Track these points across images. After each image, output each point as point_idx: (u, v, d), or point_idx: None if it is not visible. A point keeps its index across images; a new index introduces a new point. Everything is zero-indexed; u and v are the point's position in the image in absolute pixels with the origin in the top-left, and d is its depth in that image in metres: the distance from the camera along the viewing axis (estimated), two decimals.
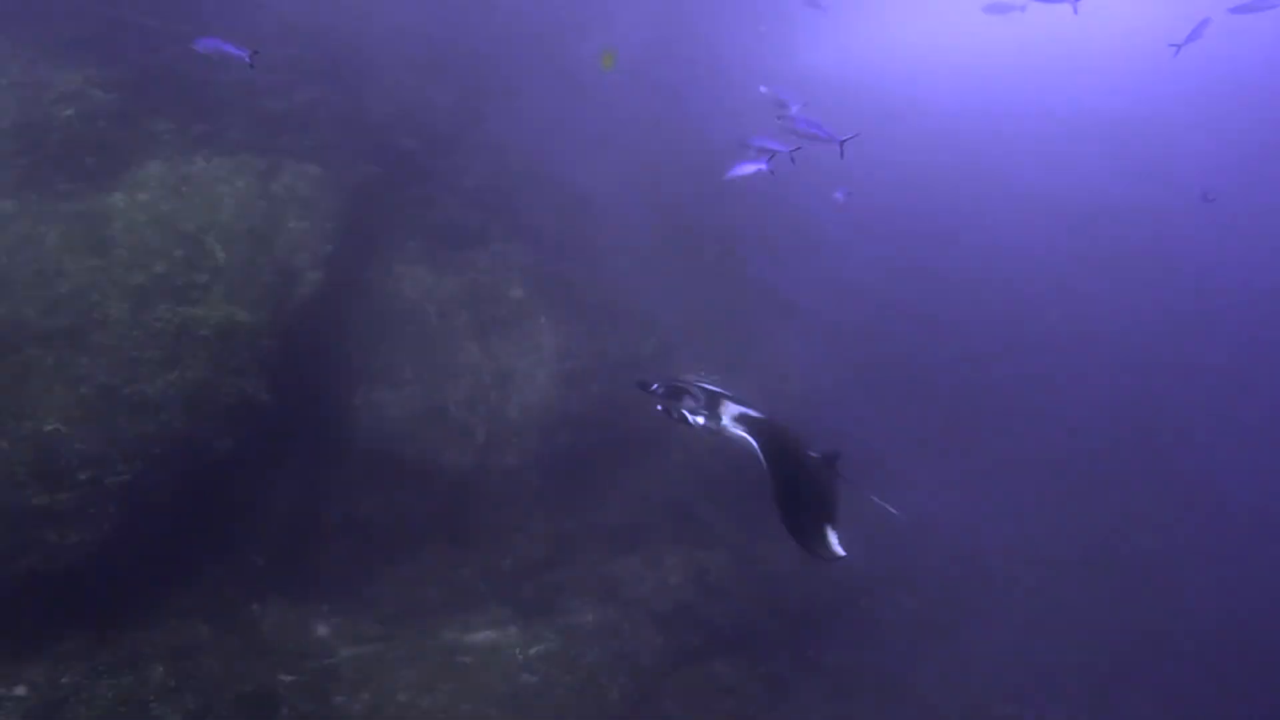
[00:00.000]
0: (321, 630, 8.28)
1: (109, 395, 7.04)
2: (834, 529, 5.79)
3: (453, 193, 11.23)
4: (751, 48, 19.57)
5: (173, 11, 9.22)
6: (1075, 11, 7.27)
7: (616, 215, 13.33)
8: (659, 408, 6.41)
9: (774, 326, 14.89)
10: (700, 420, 6.33)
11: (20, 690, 5.94)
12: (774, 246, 16.08)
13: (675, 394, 6.49)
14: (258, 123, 9.18)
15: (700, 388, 6.65)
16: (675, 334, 12.54)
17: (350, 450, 9.38)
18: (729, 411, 6.35)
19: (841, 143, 7.72)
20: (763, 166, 7.97)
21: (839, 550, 5.54)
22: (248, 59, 6.79)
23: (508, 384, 10.38)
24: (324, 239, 9.01)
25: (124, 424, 7.02)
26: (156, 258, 7.80)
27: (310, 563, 8.73)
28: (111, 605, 6.83)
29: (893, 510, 7.11)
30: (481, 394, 10.21)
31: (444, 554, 9.45)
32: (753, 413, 6.51)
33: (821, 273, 16.74)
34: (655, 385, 6.57)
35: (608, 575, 9.49)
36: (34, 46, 8.47)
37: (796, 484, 6.07)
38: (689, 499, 11.05)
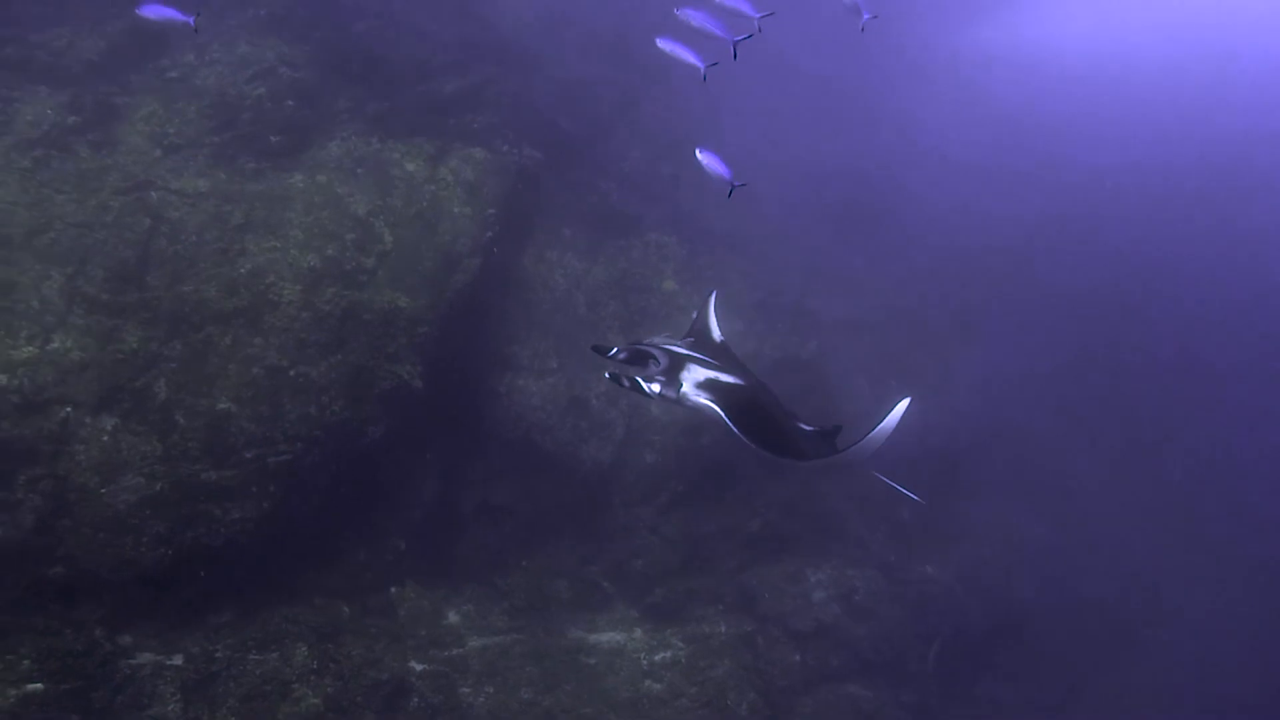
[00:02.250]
0: (453, 618, 8.53)
1: (277, 376, 7.37)
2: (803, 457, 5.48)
3: (611, 179, 11.12)
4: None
5: None
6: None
7: (782, 206, 12.87)
8: (606, 375, 5.73)
9: (951, 330, 14.06)
10: (655, 388, 5.62)
11: (178, 659, 6.38)
12: (960, 246, 15.08)
13: (638, 359, 5.77)
14: (430, 103, 9.32)
15: (666, 350, 5.91)
16: (839, 335, 12.06)
17: (492, 438, 9.55)
18: (692, 377, 5.65)
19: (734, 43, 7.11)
20: (698, 64, 7.34)
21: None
22: (192, 23, 6.76)
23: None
24: (484, 225, 9.09)
25: (288, 405, 7.34)
26: (329, 240, 8.07)
27: (447, 549, 8.98)
28: (264, 581, 7.22)
29: (913, 496, 6.55)
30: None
31: (576, 549, 9.50)
32: (726, 377, 5.82)
33: (1012, 278, 15.65)
34: (615, 349, 5.84)
35: (745, 586, 9.30)
36: (235, 21, 8.90)
37: (768, 423, 5.67)
38: (841, 511, 10.64)
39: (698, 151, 7.50)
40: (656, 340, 6.61)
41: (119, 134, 8.10)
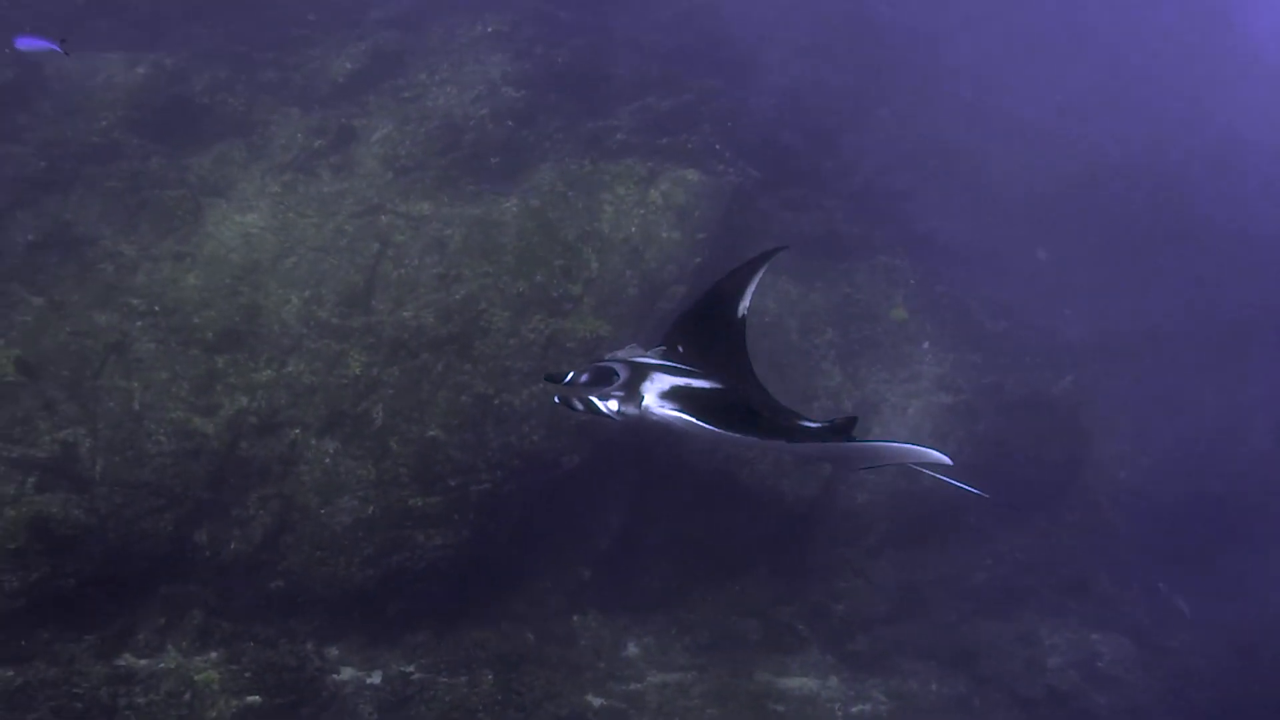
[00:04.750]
0: (633, 649, 8.61)
1: (483, 404, 7.67)
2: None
3: (836, 195, 10.58)
4: None
5: (584, 2, 9.51)
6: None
7: (1040, 222, 11.68)
8: (555, 400, 5.09)
9: (1229, 347, 12.32)
10: (613, 405, 4.96)
11: (376, 678, 6.84)
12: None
13: (598, 379, 5.14)
14: (644, 122, 9.28)
15: (629, 362, 5.32)
16: (1096, 363, 10.94)
17: (685, 469, 9.51)
18: (656, 387, 4.98)
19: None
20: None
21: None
22: (60, 49, 6.56)
23: (871, 414, 9.78)
24: (693, 251, 8.96)
25: (491, 434, 7.62)
26: (538, 266, 8.26)
27: (631, 579, 9.05)
28: (456, 603, 7.56)
29: (974, 490, 5.70)
30: None
31: (769, 587, 9.27)
32: (700, 383, 5.12)
33: None
34: (570, 374, 5.21)
35: (963, 642, 8.82)
36: (464, 39, 9.29)
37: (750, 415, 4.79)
38: (1087, 565, 9.92)
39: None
40: (619, 354, 5.87)
41: (356, 156, 8.73)
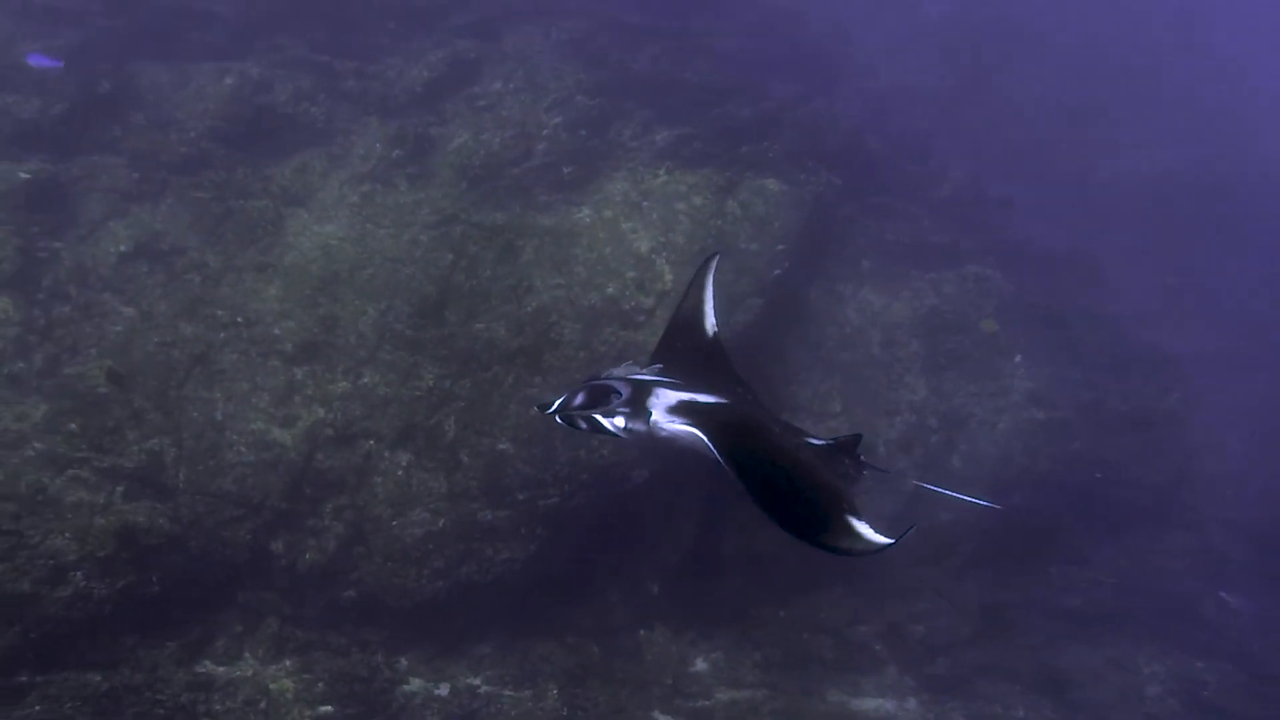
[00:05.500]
0: (701, 665, 8.53)
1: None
2: (856, 514, 4.01)
3: (924, 203, 10.25)
4: None
5: (661, 7, 9.41)
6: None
7: (1147, 230, 11.12)
8: (558, 420, 4.93)
9: None
10: (620, 422, 4.86)
11: (443, 690, 6.93)
12: None
13: (596, 398, 5.01)
14: (723, 130, 9.14)
15: (628, 380, 5.18)
16: (1204, 377, 10.43)
17: None
18: (661, 402, 4.86)
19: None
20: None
21: (875, 537, 3.86)
22: (61, 65, 7.98)
23: (956, 429, 9.51)
24: (772, 262, 8.79)
25: (560, 448, 7.63)
26: (611, 279, 8.23)
27: (701, 595, 8.97)
28: (522, 616, 7.61)
29: (983, 502, 5.55)
30: (920, 436, 9.51)
31: (846, 605, 9.10)
32: (704, 398, 4.98)
33: None
34: (563, 398, 5.03)
35: (1052, 667, 8.48)
36: (540, 46, 9.31)
37: (777, 467, 4.37)
38: (1190, 589, 9.51)
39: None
40: (616, 371, 5.67)
41: (433, 166, 8.83)
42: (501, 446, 7.47)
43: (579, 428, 4.94)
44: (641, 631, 8.34)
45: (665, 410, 4.83)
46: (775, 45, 9.90)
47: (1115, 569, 9.41)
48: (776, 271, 8.78)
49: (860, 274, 9.86)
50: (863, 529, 3.99)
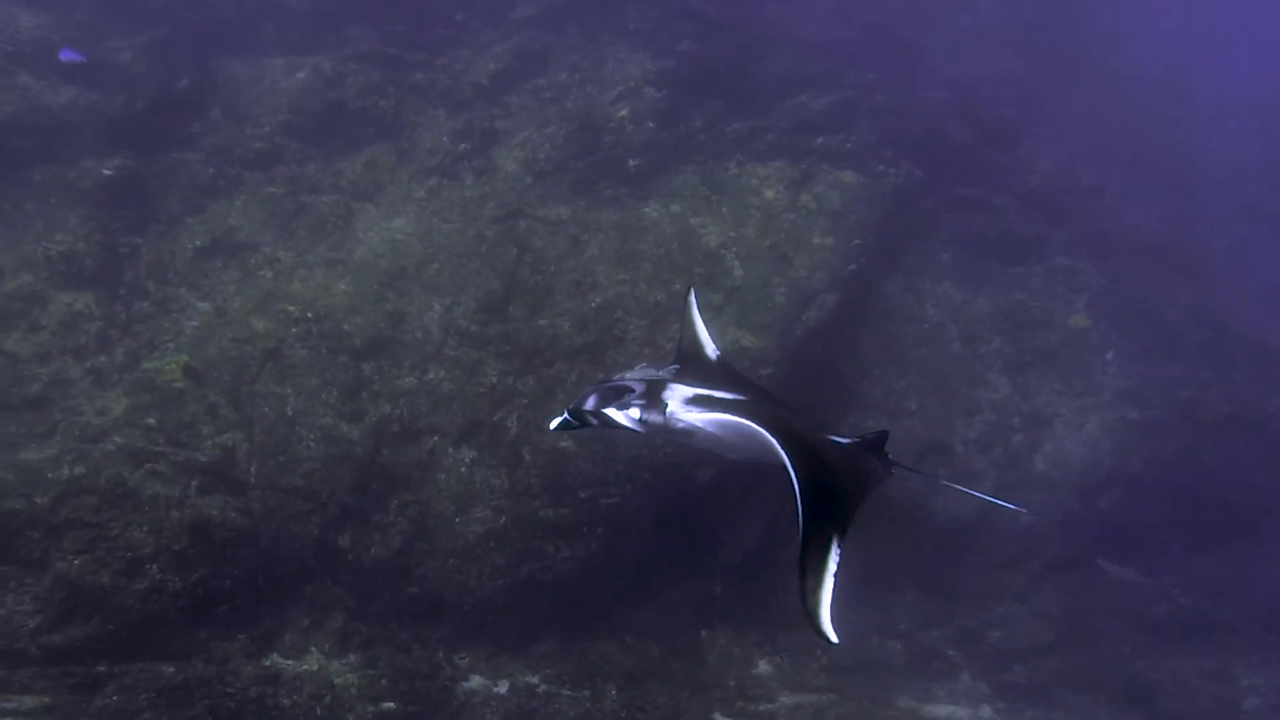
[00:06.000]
0: (764, 668, 8.41)
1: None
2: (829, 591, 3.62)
3: (1010, 194, 9.81)
4: None
5: None
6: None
7: (1251, 221, 10.44)
8: (566, 415, 4.80)
9: None
10: (635, 414, 4.74)
11: (502, 688, 6.96)
12: None
13: (609, 398, 4.88)
14: (797, 121, 8.89)
15: (640, 379, 5.07)
16: None
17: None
18: (678, 395, 4.74)
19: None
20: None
21: (828, 630, 3.52)
22: (85, 59, 8.26)
23: (1041, 429, 9.20)
24: (847, 257, 8.55)
25: (623, 446, 7.57)
26: (678, 274, 8.10)
27: (765, 595, 8.85)
28: (582, 615, 7.56)
29: (1010, 505, 5.59)
30: (1001, 436, 9.21)
31: (915, 609, 8.91)
32: (722, 393, 4.81)
33: None
34: (572, 406, 4.87)
35: (1139, 676, 8.25)
36: (607, 37, 9.17)
37: (825, 489, 3.95)
38: None
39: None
40: (630, 374, 5.66)
41: (498, 159, 8.82)
42: (564, 444, 7.45)
43: (589, 424, 4.85)
44: (703, 632, 8.26)
45: (683, 402, 4.71)
46: (852, 33, 9.56)
47: (1212, 577, 9.01)
48: (852, 266, 8.54)
49: (940, 268, 9.55)
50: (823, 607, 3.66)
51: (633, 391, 4.91)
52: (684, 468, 7.76)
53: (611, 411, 4.81)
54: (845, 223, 8.55)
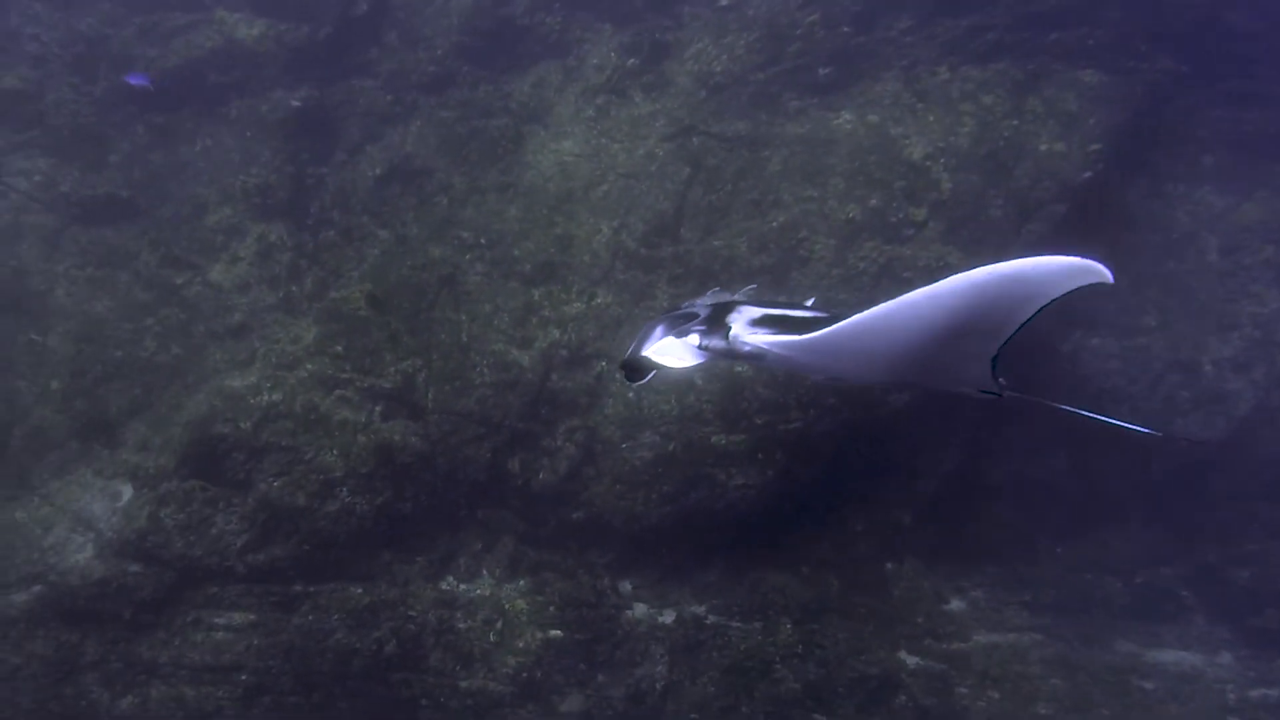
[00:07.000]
0: (956, 605, 7.83)
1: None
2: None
3: None
4: None
5: None
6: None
7: None
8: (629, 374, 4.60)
9: None
10: (694, 340, 4.44)
11: (669, 617, 6.84)
12: None
13: (675, 326, 4.60)
14: (1023, 16, 7.75)
15: (710, 305, 4.71)
16: None
17: (1039, 406, 8.34)
18: (745, 316, 4.39)
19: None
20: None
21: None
22: (151, 83, 8.27)
23: None
24: (1081, 164, 7.46)
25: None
26: (875, 189, 7.38)
27: (960, 526, 8.18)
28: (753, 543, 7.30)
29: (1146, 430, 4.84)
30: (1265, 354, 7.96)
31: (1141, 543, 7.95)
32: (796, 312, 4.46)
33: None
34: (631, 349, 4.60)
35: None
36: None
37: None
38: None
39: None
40: (701, 300, 5.16)
41: (669, 74, 8.33)
42: (739, 369, 7.11)
43: (650, 367, 4.66)
44: (889, 565, 7.72)
45: (748, 323, 4.38)
46: None
47: None
48: (1087, 174, 7.47)
49: (1198, 171, 8.20)
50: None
51: (696, 317, 4.66)
52: (874, 391, 7.24)
53: (670, 342, 4.61)
54: (1082, 127, 7.45)
